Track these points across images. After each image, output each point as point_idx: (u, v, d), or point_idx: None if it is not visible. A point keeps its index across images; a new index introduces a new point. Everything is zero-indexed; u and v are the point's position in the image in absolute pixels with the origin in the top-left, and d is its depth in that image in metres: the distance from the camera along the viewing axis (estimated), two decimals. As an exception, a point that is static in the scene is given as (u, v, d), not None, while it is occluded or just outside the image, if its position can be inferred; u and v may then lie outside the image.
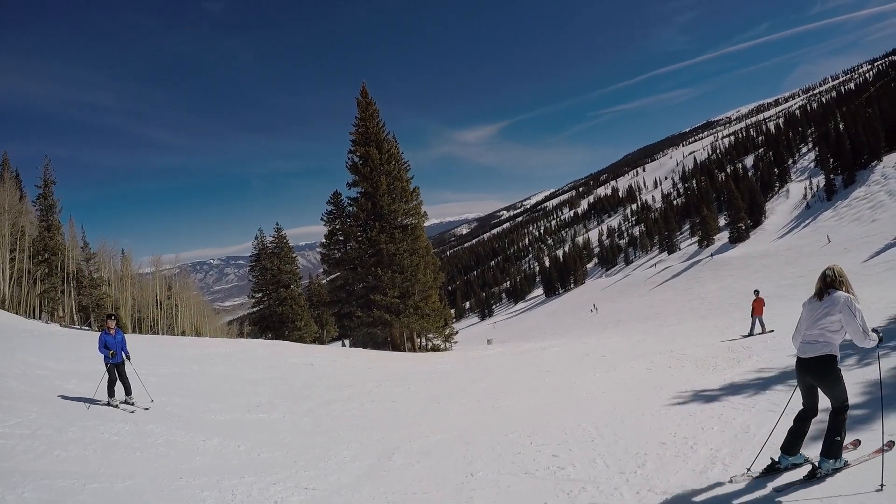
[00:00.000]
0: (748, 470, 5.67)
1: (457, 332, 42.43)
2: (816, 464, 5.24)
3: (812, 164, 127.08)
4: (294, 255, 58.71)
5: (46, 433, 8.30)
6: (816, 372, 5.30)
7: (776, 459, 5.58)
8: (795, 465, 5.52)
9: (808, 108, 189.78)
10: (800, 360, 5.47)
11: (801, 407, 5.61)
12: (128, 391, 11.10)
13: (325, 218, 40.63)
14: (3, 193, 41.06)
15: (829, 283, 5.32)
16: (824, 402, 5.39)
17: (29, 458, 7.10)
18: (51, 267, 44.22)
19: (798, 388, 5.70)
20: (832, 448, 5.17)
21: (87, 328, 41.46)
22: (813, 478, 5.16)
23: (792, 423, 5.61)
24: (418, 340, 39.12)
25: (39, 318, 40.23)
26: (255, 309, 57.30)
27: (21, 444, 7.57)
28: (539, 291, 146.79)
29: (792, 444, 5.53)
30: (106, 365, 10.92)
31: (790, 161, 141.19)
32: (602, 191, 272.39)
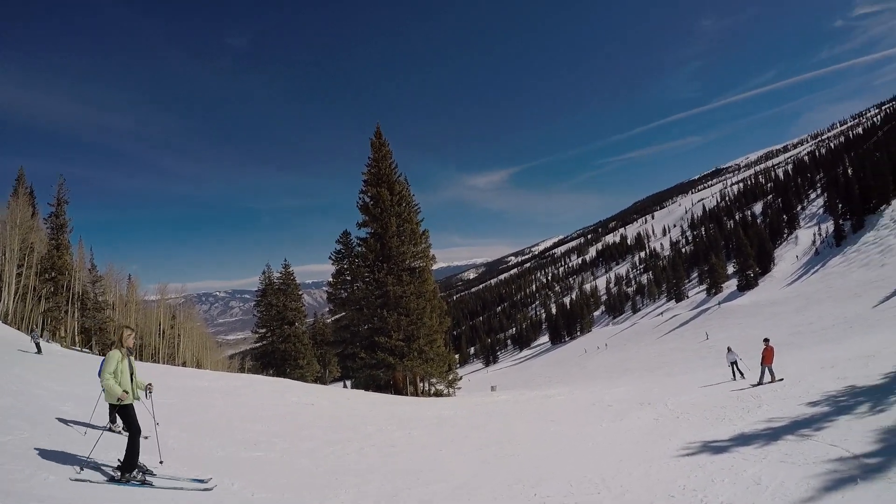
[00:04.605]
0: None
1: (461, 378, 41.97)
2: None
3: (821, 210, 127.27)
4: (300, 293, 58.72)
5: (35, 454, 8.04)
6: None
7: None
8: None
9: (817, 153, 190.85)
10: None
11: None
12: None
13: (333, 257, 40.62)
14: (15, 208, 41.22)
15: None
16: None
17: (16, 479, 6.85)
18: (56, 286, 44.22)
19: None
20: None
21: (87, 351, 41.18)
22: None
23: None
24: (421, 385, 38.68)
25: (41, 337, 40.11)
26: (258, 344, 57.15)
27: (9, 463, 7.31)
28: (545, 339, 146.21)
29: None
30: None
31: (799, 207, 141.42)
32: (611, 238, 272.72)
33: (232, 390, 20.86)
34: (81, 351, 39.11)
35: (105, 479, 7.23)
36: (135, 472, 7.34)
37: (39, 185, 53.92)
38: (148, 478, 7.49)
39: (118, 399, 7.29)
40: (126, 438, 7.59)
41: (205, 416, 14.69)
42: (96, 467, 7.67)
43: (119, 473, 7.26)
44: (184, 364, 59.25)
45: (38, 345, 26.36)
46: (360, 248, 38.93)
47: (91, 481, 7.05)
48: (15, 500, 5.67)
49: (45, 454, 7.84)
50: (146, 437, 10.63)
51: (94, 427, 10.51)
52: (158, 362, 54.53)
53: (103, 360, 7.64)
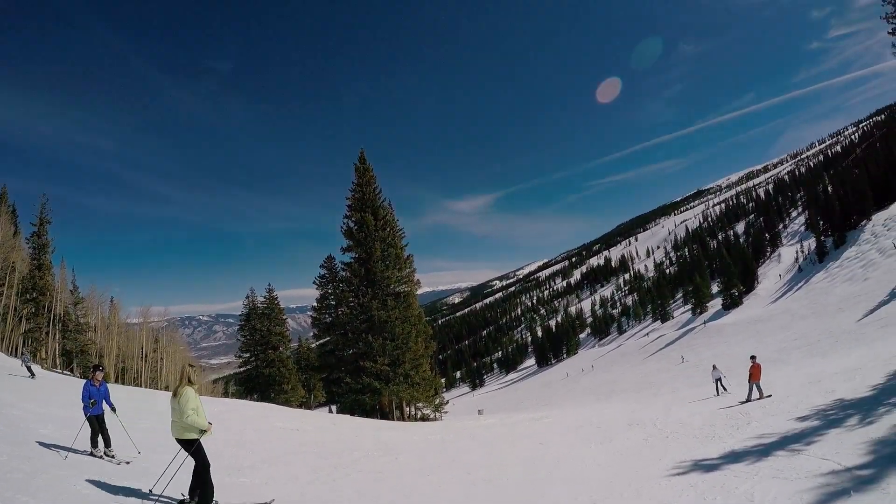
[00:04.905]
0: None
1: (447, 402, 41.72)
2: None
3: (802, 228, 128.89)
4: (284, 318, 58.31)
5: (16, 477, 7.82)
6: None
7: None
8: None
9: (797, 172, 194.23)
10: None
11: None
12: (107, 443, 10.73)
13: (317, 281, 40.49)
14: (-3, 227, 40.74)
15: None
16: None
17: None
18: (38, 307, 43.51)
19: None
20: None
21: (68, 373, 40.70)
22: None
23: None
24: (407, 409, 38.38)
25: (32, 360, 39.48)
26: (241, 369, 56.56)
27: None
28: (531, 361, 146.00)
29: None
30: (86, 415, 10.64)
31: (781, 226, 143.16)
32: (595, 261, 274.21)
33: (216, 415, 20.46)
34: (63, 373, 38.62)
35: None
36: None
37: (22, 204, 53.50)
38: None
39: (202, 431, 7.51)
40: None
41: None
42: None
43: None
44: (167, 388, 58.47)
45: (30, 369, 25.83)
46: (344, 273, 38.76)
47: None
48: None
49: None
50: (128, 463, 10.48)
51: (75, 451, 10.36)
52: (141, 386, 53.82)
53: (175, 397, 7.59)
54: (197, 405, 7.56)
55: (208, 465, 7.59)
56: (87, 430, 10.75)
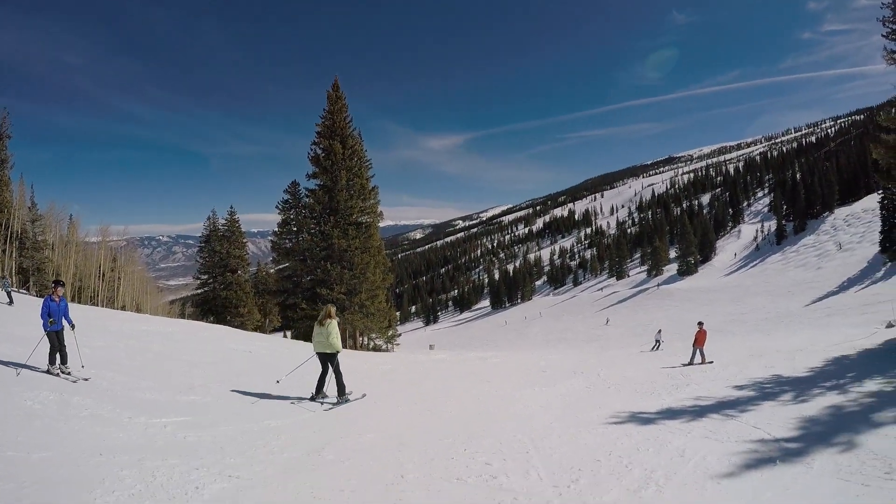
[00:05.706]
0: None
1: (400, 335, 42.26)
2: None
3: (766, 209, 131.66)
4: (245, 241, 57.74)
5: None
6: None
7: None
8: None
9: (769, 155, 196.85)
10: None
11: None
12: (63, 360, 10.71)
13: (280, 206, 40.22)
14: (-48, 141, 39.37)
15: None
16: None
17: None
18: (-6, 223, 42.58)
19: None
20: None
21: (24, 292, 40.13)
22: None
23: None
24: (360, 339, 38.82)
25: (10, 285, 38.77)
26: (199, 291, 56.18)
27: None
28: (486, 303, 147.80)
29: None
30: (45, 331, 10.56)
31: (745, 203, 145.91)
32: (559, 212, 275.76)
33: (170, 335, 20.61)
34: (19, 292, 38.01)
35: (334, 401, 11.45)
36: (347, 395, 11.71)
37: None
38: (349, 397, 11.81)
39: (338, 351, 11.30)
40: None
41: (141, 359, 14.49)
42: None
43: (337, 398, 11.52)
44: (123, 308, 57.97)
45: (10, 294, 25.31)
46: (307, 200, 38.52)
47: (330, 402, 11.42)
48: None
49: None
50: (86, 380, 10.54)
51: (30, 368, 10.42)
52: (98, 305, 53.25)
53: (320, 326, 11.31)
54: (338, 332, 11.33)
55: (341, 372, 11.50)
56: (44, 347, 10.72)
